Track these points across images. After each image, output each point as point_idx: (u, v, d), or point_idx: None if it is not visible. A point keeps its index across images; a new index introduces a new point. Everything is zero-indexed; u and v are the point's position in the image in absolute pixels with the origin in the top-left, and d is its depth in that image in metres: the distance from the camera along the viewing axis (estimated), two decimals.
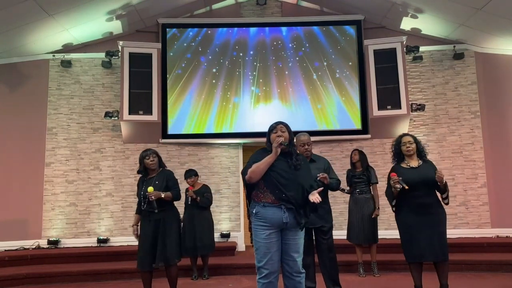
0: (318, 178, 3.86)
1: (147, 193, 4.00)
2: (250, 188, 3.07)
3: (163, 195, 4.05)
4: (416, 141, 3.90)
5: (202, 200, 5.53)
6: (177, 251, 4.20)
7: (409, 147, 3.85)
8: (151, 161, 4.18)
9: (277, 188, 2.93)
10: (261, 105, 7.87)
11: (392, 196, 3.80)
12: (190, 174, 5.66)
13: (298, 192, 2.95)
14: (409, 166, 3.84)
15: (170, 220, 4.20)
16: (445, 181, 3.74)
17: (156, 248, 4.07)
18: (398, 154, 3.94)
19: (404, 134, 4.02)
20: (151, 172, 4.25)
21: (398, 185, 3.63)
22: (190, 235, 5.42)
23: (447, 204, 3.81)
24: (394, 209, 3.89)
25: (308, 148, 4.15)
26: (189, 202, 5.52)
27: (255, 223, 2.99)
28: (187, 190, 5.56)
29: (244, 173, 3.01)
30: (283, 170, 2.96)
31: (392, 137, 7.62)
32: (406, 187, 3.59)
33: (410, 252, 3.78)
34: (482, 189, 7.55)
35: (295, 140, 3.54)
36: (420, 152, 3.90)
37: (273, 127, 3.11)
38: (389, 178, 3.86)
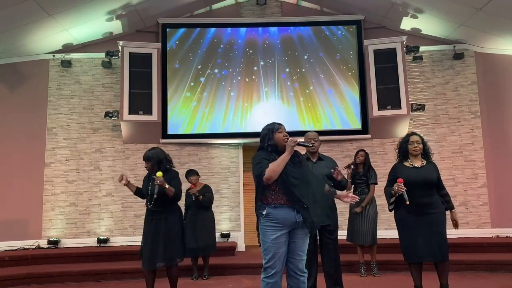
0: (334, 173, 3.96)
1: (154, 176, 4.01)
2: (262, 189, 3.01)
3: (167, 186, 4.04)
4: (424, 142, 3.88)
5: (204, 199, 5.55)
6: (179, 251, 4.19)
7: (416, 147, 3.82)
8: (145, 167, 4.27)
9: (289, 189, 2.93)
10: (261, 105, 7.87)
11: (390, 195, 3.79)
12: (192, 173, 5.71)
13: (308, 190, 2.97)
14: (412, 165, 3.83)
15: (173, 220, 4.19)
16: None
17: (157, 247, 4.05)
18: (404, 153, 3.91)
19: (413, 133, 3.98)
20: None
21: (400, 192, 3.62)
22: (193, 236, 5.42)
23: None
24: (390, 208, 3.88)
25: (315, 144, 4.16)
26: (193, 199, 5.51)
27: (264, 223, 2.98)
28: (188, 190, 5.56)
29: (260, 174, 2.91)
30: (292, 170, 2.96)
31: (392, 137, 7.71)
32: (407, 202, 3.58)
33: (409, 252, 3.76)
34: (482, 189, 7.55)
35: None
36: (426, 153, 3.88)
37: (277, 128, 3.10)
38: (389, 177, 3.86)
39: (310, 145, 3.00)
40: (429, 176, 3.74)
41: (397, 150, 3.99)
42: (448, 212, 3.84)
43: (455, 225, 3.86)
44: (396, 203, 3.82)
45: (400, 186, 3.62)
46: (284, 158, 2.94)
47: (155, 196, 4.02)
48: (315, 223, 2.97)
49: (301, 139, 3.32)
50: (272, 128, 3.11)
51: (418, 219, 3.68)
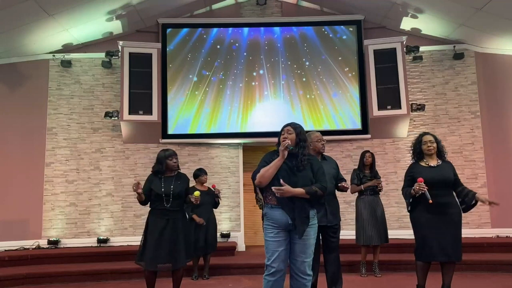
0: (339, 185, 3.99)
1: (193, 198, 4.09)
2: (261, 190, 3.11)
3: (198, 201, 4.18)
4: (437, 141, 3.89)
5: (219, 200, 5.70)
6: (190, 252, 4.22)
7: (430, 146, 3.83)
8: (174, 162, 4.18)
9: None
10: (262, 105, 7.86)
11: (410, 196, 3.77)
12: (205, 172, 5.74)
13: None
14: (428, 165, 3.83)
15: (185, 220, 4.22)
16: (477, 201, 3.70)
17: (171, 248, 3.99)
18: (419, 153, 3.91)
19: (425, 133, 3.98)
20: (170, 171, 4.21)
21: (422, 191, 3.59)
22: (203, 235, 5.45)
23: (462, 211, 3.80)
24: (409, 208, 3.86)
25: (324, 143, 4.16)
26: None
27: (265, 222, 3.05)
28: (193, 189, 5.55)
29: (253, 177, 3.04)
30: (285, 172, 2.96)
31: (392, 137, 7.72)
32: (430, 201, 3.55)
33: (423, 251, 3.74)
34: (482, 189, 7.54)
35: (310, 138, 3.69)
36: (440, 152, 3.89)
37: (282, 129, 3.12)
38: (406, 177, 3.87)
39: (291, 147, 2.99)
40: (447, 175, 3.75)
41: (411, 152, 3.99)
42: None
43: (488, 202, 3.75)
44: (413, 203, 3.80)
45: (421, 186, 3.60)
46: (275, 163, 2.96)
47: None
48: (300, 227, 2.92)
49: None
50: (280, 130, 3.14)
51: (435, 218, 3.67)
